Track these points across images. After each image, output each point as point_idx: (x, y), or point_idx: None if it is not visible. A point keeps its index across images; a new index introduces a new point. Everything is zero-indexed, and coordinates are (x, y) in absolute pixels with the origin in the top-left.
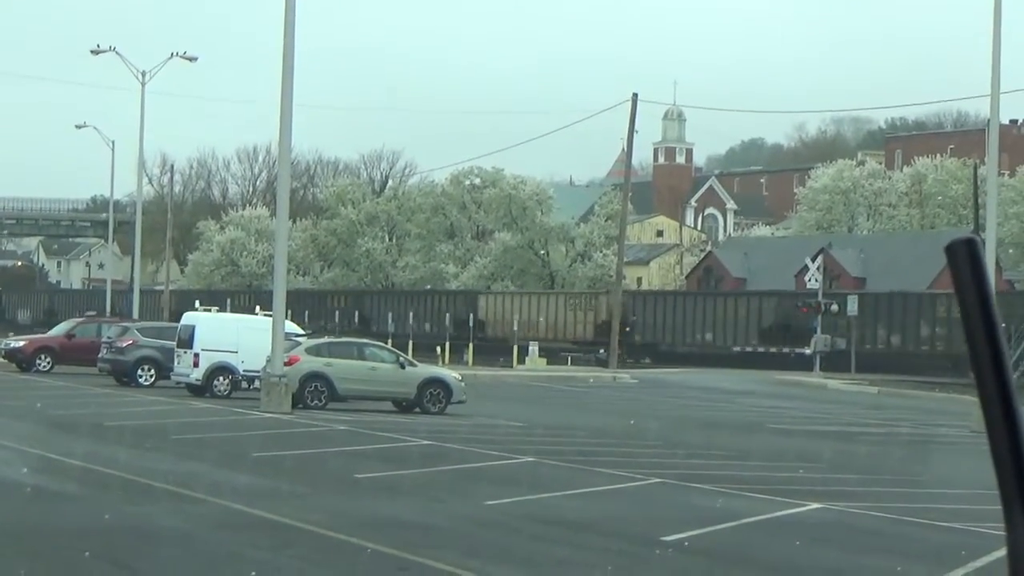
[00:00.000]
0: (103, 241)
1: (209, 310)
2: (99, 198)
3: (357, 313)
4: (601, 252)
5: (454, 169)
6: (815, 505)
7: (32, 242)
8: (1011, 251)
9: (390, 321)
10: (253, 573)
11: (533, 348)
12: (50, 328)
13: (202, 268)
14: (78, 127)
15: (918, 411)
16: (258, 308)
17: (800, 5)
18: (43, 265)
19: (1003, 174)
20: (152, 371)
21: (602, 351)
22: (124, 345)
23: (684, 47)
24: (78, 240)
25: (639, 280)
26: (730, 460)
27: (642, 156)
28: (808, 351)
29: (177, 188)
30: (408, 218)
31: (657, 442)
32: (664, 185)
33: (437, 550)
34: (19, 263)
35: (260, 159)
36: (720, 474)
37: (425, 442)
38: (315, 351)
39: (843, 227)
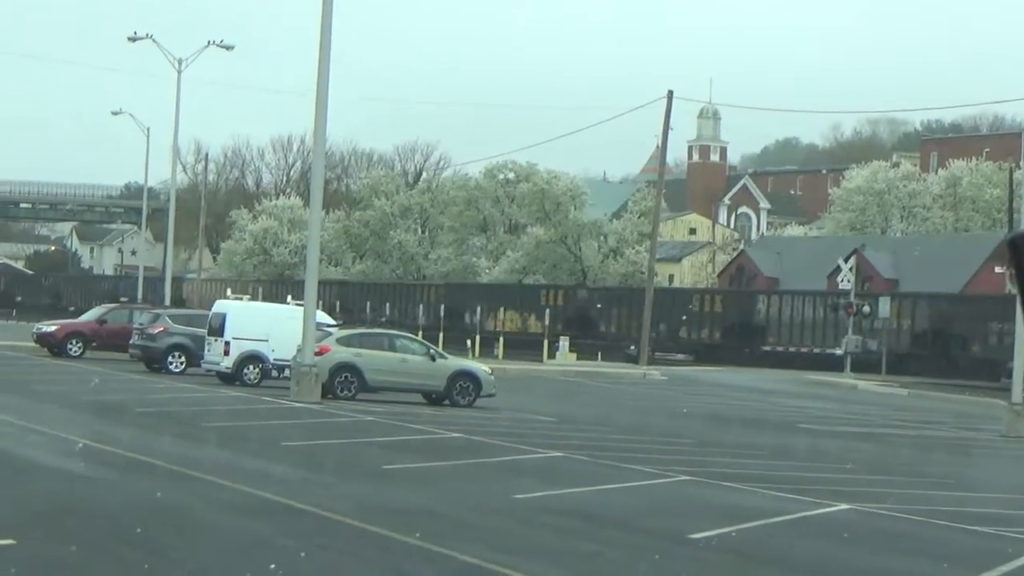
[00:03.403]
0: (136, 228)
1: (240, 298)
2: (133, 185)
3: (388, 304)
4: (633, 248)
5: (488, 163)
6: (844, 506)
7: (66, 227)
8: None
9: (420, 313)
10: (272, 565)
11: (564, 343)
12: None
13: (234, 257)
14: (114, 114)
15: (948, 414)
16: (289, 298)
17: (838, 6)
18: (76, 251)
19: None
20: (183, 358)
21: (632, 348)
22: (155, 332)
23: (721, 45)
24: (111, 226)
25: (671, 277)
26: (759, 459)
27: (676, 153)
28: (840, 351)
29: (211, 176)
30: (441, 211)
31: (686, 439)
32: (698, 183)
33: (464, 543)
34: (53, 248)
35: (294, 149)
36: (748, 472)
37: (454, 435)
38: (346, 342)
39: (876, 229)
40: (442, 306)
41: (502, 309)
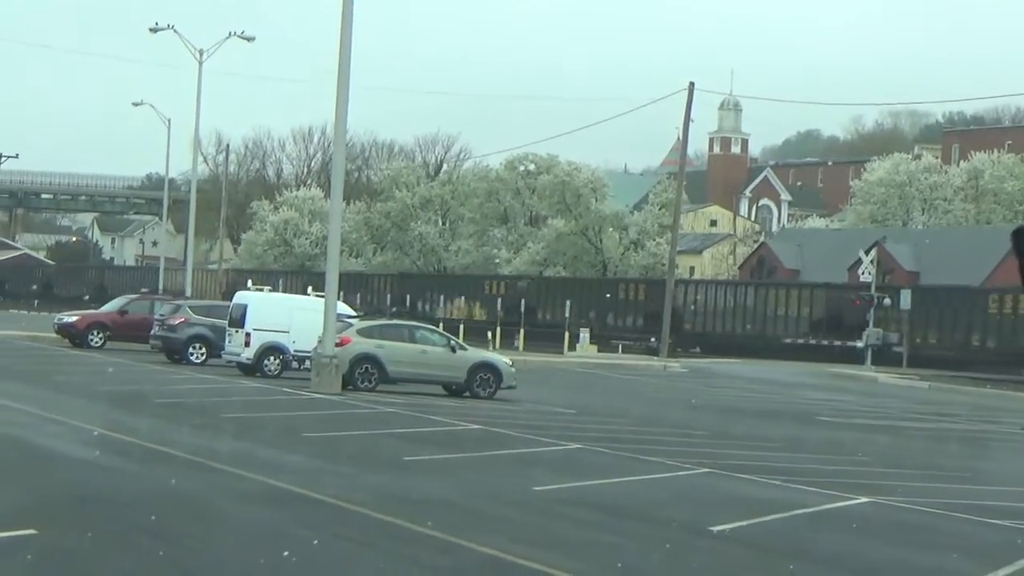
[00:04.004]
0: (157, 218)
1: (261, 290)
2: (154, 175)
3: (408, 296)
4: (654, 240)
5: (509, 154)
6: (864, 499)
7: (87, 218)
8: None
9: (442, 304)
10: (287, 554)
11: (584, 335)
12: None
13: (255, 248)
14: (135, 104)
15: (969, 407)
16: (310, 289)
17: None
18: (97, 241)
19: None
20: (203, 349)
21: (653, 340)
22: (176, 323)
23: (742, 37)
24: (132, 217)
25: (692, 269)
26: (779, 451)
27: (697, 145)
28: (860, 344)
29: (232, 167)
30: (462, 203)
31: (706, 432)
32: (719, 175)
33: (483, 534)
34: (74, 239)
35: (315, 140)
36: (769, 465)
37: (474, 426)
38: (366, 333)
39: (898, 221)
40: (391, 295)
41: (455, 298)
